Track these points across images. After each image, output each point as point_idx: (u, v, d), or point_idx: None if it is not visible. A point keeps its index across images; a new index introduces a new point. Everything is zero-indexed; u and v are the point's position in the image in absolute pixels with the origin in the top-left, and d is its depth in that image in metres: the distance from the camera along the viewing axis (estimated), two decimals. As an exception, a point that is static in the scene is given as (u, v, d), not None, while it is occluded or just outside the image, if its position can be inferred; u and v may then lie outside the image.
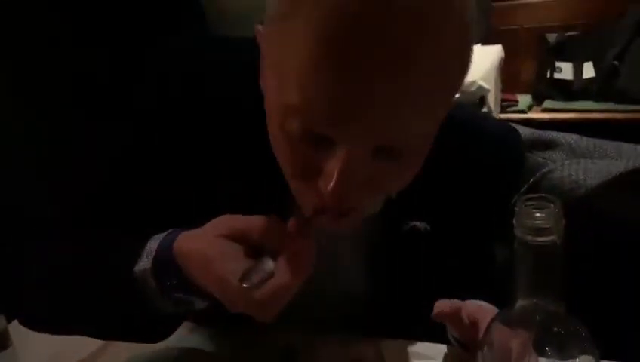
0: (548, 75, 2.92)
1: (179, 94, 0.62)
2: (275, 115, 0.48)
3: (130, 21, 1.44)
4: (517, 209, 0.37)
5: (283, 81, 0.45)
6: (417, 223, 0.67)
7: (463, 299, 0.66)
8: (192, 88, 0.62)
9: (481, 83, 2.18)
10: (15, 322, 0.69)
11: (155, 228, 0.58)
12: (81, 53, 1.37)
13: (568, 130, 0.96)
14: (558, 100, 2.90)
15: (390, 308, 0.71)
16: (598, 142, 0.87)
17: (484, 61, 2.40)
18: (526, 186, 0.88)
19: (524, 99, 3.02)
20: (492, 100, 2.34)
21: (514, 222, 0.38)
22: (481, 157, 0.70)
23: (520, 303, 0.40)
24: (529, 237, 0.37)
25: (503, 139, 0.75)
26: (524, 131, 0.93)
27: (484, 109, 2.33)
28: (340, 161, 0.45)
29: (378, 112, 0.43)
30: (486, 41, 2.72)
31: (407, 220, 0.66)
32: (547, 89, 2.93)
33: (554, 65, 2.88)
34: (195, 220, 0.55)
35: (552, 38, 2.93)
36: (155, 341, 0.62)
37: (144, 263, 0.54)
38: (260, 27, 0.51)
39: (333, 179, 0.45)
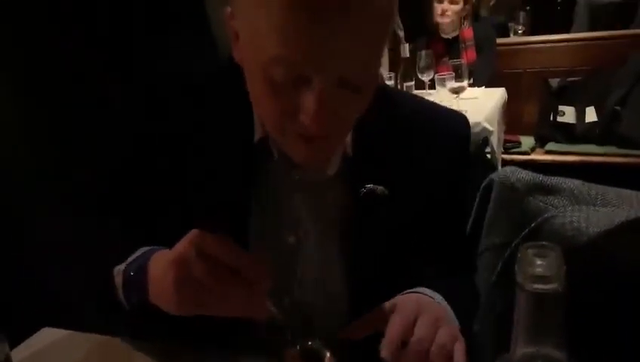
0: (551, 118, 2.96)
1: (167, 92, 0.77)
2: (259, 72, 0.60)
3: (133, 20, 1.50)
4: (518, 255, 0.38)
5: (263, 40, 0.57)
6: (375, 186, 0.73)
7: (424, 263, 0.75)
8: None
9: (485, 124, 2.21)
10: (17, 348, 0.70)
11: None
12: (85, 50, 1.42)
13: (571, 173, 0.97)
14: (560, 143, 2.93)
15: (364, 276, 0.75)
16: (600, 188, 0.88)
17: (488, 103, 2.44)
18: (527, 230, 0.89)
19: (527, 141, 3.06)
20: (495, 141, 2.36)
21: (515, 268, 0.39)
22: (435, 129, 0.79)
23: (521, 350, 0.41)
24: (530, 285, 0.37)
25: (453, 117, 0.84)
26: (526, 175, 0.94)
27: (488, 150, 2.35)
28: (317, 92, 0.58)
29: (340, 47, 0.56)
30: (490, 83, 2.77)
31: (365, 183, 0.73)
32: (550, 131, 2.97)
33: (557, 109, 2.92)
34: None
35: (554, 82, 2.98)
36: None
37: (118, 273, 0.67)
38: (229, 9, 0.64)
39: (313, 107, 0.58)
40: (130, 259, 0.68)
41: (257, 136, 0.73)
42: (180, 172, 0.73)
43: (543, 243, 0.38)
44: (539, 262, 0.37)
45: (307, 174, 0.74)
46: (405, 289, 0.71)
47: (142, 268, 0.65)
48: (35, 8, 1.36)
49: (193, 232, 0.59)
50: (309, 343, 0.62)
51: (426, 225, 0.76)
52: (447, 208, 0.80)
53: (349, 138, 0.74)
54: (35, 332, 0.97)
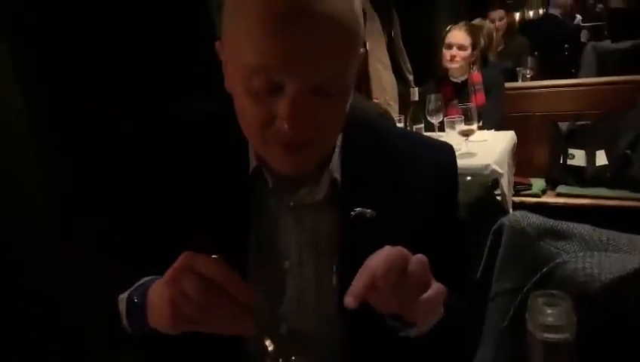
0: (561, 161, 2.96)
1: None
2: (241, 87, 0.66)
3: (149, 84, 1.56)
4: (529, 303, 0.38)
5: (242, 53, 0.64)
6: (364, 209, 0.76)
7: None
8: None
9: (495, 167, 2.21)
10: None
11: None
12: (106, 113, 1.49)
13: (582, 216, 0.97)
14: (571, 186, 2.92)
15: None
16: (612, 234, 0.88)
17: (498, 145, 2.45)
18: (539, 275, 0.88)
19: (538, 183, 3.05)
20: (505, 184, 2.36)
21: (526, 316, 0.39)
22: (421, 156, 0.83)
23: (533, 399, 0.40)
24: (541, 334, 0.37)
25: (439, 145, 0.88)
26: (536, 219, 0.94)
27: (498, 192, 2.35)
28: (290, 97, 0.63)
29: (309, 55, 0.62)
30: (499, 126, 2.80)
31: (355, 207, 0.76)
32: (561, 174, 2.96)
33: (567, 152, 2.93)
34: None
35: (564, 125, 2.99)
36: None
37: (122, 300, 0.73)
38: (217, 43, 0.72)
39: (287, 112, 0.63)
40: (133, 287, 0.72)
41: (252, 165, 0.77)
42: (181, 207, 0.79)
43: (554, 292, 0.38)
44: (549, 311, 0.37)
45: (300, 200, 0.78)
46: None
47: (143, 294, 0.70)
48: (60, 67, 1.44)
49: (185, 253, 0.63)
50: (292, 358, 0.64)
51: (415, 248, 0.76)
52: (435, 232, 0.81)
53: (337, 163, 0.78)
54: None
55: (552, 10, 4.82)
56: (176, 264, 0.63)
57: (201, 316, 0.62)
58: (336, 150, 0.79)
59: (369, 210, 0.76)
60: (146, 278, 0.73)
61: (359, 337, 0.76)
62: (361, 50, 0.72)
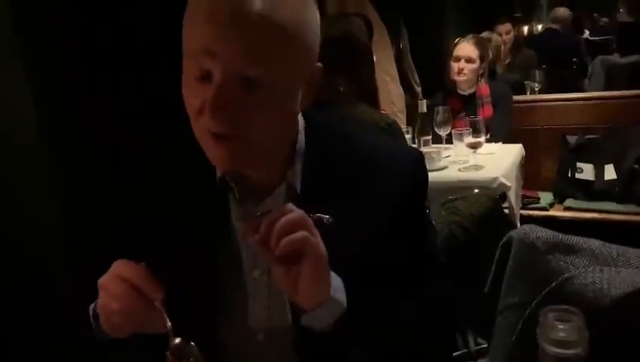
0: (569, 175, 2.95)
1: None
2: (185, 70, 0.70)
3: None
4: (540, 319, 0.38)
5: (184, 41, 0.69)
6: (321, 215, 0.76)
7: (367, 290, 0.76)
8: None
9: (502, 180, 2.20)
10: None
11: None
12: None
13: (590, 230, 0.96)
14: (579, 200, 2.90)
15: None
16: (621, 249, 0.87)
17: (506, 158, 2.44)
18: (547, 290, 0.87)
19: (546, 197, 3.04)
20: (513, 197, 2.35)
21: (537, 331, 0.39)
22: (384, 162, 0.83)
23: (544, 415, 0.40)
24: (552, 349, 0.37)
25: (404, 150, 0.90)
26: (545, 233, 0.94)
27: (506, 205, 2.34)
28: (215, 85, 0.66)
29: (238, 45, 0.65)
30: (507, 139, 2.79)
31: (313, 212, 0.76)
32: (569, 188, 2.95)
33: (575, 166, 2.92)
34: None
35: (572, 139, 2.99)
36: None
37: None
38: None
39: (211, 100, 0.66)
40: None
41: (218, 174, 0.80)
42: (152, 219, 0.84)
43: (566, 307, 0.38)
44: (561, 326, 0.37)
45: (266, 208, 0.79)
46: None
47: None
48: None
49: (116, 262, 0.71)
50: (176, 341, 0.67)
51: (373, 252, 0.79)
52: (395, 238, 0.82)
53: (298, 170, 0.81)
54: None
55: (553, 25, 4.82)
56: (107, 272, 0.70)
57: (125, 319, 0.69)
58: (297, 157, 0.81)
59: (327, 216, 0.76)
60: None
61: (306, 342, 0.78)
62: (317, 65, 0.76)
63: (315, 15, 0.74)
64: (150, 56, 1.68)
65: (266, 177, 0.81)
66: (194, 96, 0.69)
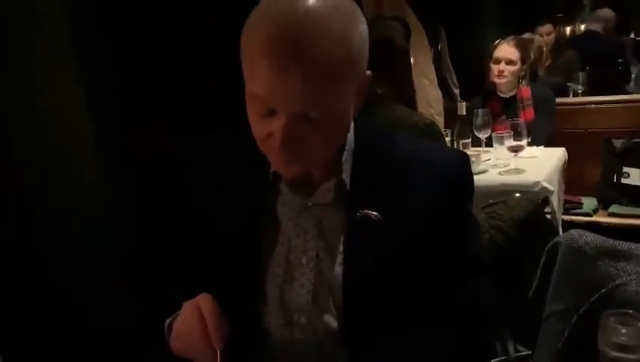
0: (615, 180, 2.86)
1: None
2: (249, 104, 0.75)
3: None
4: (601, 323, 0.38)
5: (246, 79, 0.74)
6: (369, 212, 0.81)
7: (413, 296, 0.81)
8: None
9: (545, 184, 2.16)
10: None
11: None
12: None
13: (636, 237, 0.93)
14: (625, 205, 2.81)
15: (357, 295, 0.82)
16: (675, 256, 0.84)
17: (548, 162, 2.39)
18: (597, 296, 0.86)
19: (589, 202, 2.95)
20: (555, 202, 2.29)
21: (598, 335, 0.38)
22: (430, 163, 0.86)
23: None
24: (614, 354, 0.37)
25: (450, 152, 0.93)
26: (594, 239, 0.92)
27: (548, 210, 2.28)
28: (281, 123, 0.72)
29: (298, 92, 0.69)
30: (549, 143, 2.73)
31: (361, 207, 0.82)
32: (614, 193, 2.86)
33: (621, 170, 2.83)
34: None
35: (618, 143, 2.90)
36: None
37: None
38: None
39: (278, 135, 0.72)
40: (177, 313, 0.83)
41: (272, 169, 0.86)
42: (212, 214, 0.90)
43: (629, 311, 0.37)
44: (623, 330, 0.36)
45: (316, 200, 0.85)
46: (391, 316, 0.81)
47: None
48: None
49: (204, 294, 0.79)
50: None
51: (416, 251, 0.83)
52: (437, 237, 0.84)
53: (348, 166, 0.85)
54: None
55: (592, 26, 4.67)
56: (190, 307, 0.78)
57: (186, 346, 0.79)
58: (347, 155, 0.85)
59: (374, 213, 0.81)
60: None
61: (353, 329, 0.82)
62: (367, 73, 0.78)
63: (364, 28, 0.76)
64: (204, 62, 1.73)
65: (318, 173, 0.85)
66: (260, 125, 0.75)
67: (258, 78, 0.71)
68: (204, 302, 0.78)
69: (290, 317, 0.85)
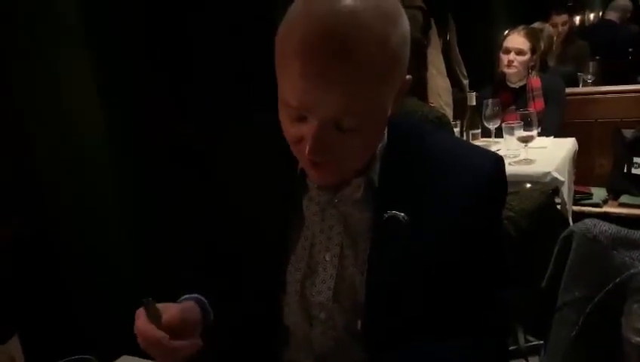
0: (625, 170, 2.84)
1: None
2: (280, 107, 0.74)
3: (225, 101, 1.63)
4: (625, 309, 0.38)
5: (279, 83, 0.72)
6: (397, 212, 0.79)
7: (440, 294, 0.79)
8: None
9: (555, 174, 2.15)
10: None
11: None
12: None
13: (646, 227, 0.93)
14: (635, 196, 2.79)
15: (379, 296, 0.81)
16: (690, 245, 0.84)
17: (558, 153, 2.38)
18: (612, 285, 0.85)
19: (599, 193, 2.94)
20: (566, 192, 2.29)
21: (622, 321, 0.39)
22: (462, 165, 0.82)
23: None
24: (637, 339, 0.37)
25: (483, 154, 0.86)
26: (609, 228, 0.91)
27: (558, 200, 2.28)
28: (312, 129, 0.70)
29: (329, 99, 0.67)
30: (559, 133, 2.72)
31: (389, 207, 0.79)
32: (624, 183, 2.84)
33: (632, 161, 2.81)
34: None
35: (628, 133, 2.87)
36: None
37: None
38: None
39: (309, 140, 0.70)
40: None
41: (300, 165, 0.84)
42: (238, 207, 0.90)
43: (653, 296, 0.38)
44: (647, 315, 0.36)
45: (343, 197, 0.83)
46: (414, 319, 0.80)
47: None
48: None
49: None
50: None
51: (442, 255, 0.80)
52: (468, 244, 0.81)
53: (377, 166, 0.82)
54: (116, 360, 1.03)
55: (610, 15, 4.62)
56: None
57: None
58: (377, 154, 0.82)
59: (402, 214, 0.79)
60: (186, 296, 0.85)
61: (374, 329, 0.81)
62: (407, 77, 0.75)
63: (407, 29, 0.72)
64: (216, 51, 1.73)
65: None
66: (291, 128, 0.74)
67: (290, 82, 0.68)
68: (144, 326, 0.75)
69: (310, 312, 0.85)
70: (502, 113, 2.56)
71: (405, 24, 0.72)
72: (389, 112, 0.75)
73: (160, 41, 1.62)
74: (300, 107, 0.69)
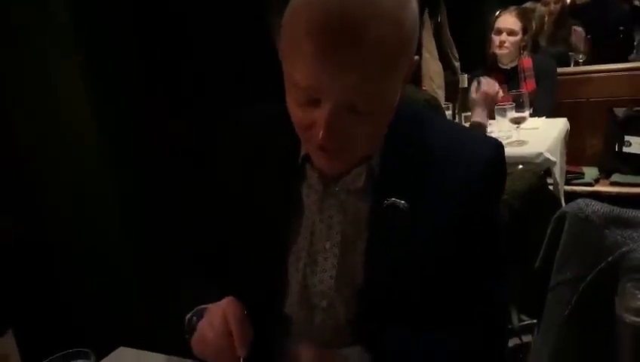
0: (616, 149, 2.86)
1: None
2: (290, 92, 0.72)
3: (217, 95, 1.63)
4: (619, 288, 0.38)
5: (288, 66, 0.70)
6: (397, 200, 0.79)
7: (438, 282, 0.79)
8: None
9: (547, 155, 2.16)
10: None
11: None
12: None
13: (637, 206, 0.93)
14: (626, 174, 2.81)
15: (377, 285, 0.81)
16: (681, 223, 0.85)
17: (550, 133, 2.39)
18: (604, 264, 0.86)
19: (591, 172, 2.95)
20: (558, 172, 2.30)
21: (615, 301, 0.39)
22: (462, 152, 0.81)
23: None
24: (632, 318, 0.37)
25: (484, 141, 0.86)
26: (601, 207, 0.92)
27: (550, 180, 2.29)
28: (325, 113, 0.68)
29: (346, 79, 0.65)
30: (551, 113, 2.72)
31: (389, 195, 0.79)
32: (615, 162, 2.86)
33: (623, 139, 2.82)
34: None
35: (620, 112, 2.89)
36: None
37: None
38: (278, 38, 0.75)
39: (321, 125, 0.68)
40: (197, 308, 0.83)
41: (302, 153, 0.84)
42: (240, 196, 0.89)
43: (647, 276, 0.38)
44: (640, 295, 0.37)
45: (344, 185, 0.82)
46: (411, 308, 0.80)
47: (199, 316, 0.82)
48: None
49: (230, 297, 0.78)
50: None
51: (442, 243, 0.80)
52: (467, 233, 0.81)
53: (377, 154, 0.81)
54: (113, 351, 1.03)
55: None
56: (220, 302, 0.77)
57: (205, 350, 0.77)
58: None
59: (402, 201, 0.79)
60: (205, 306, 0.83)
61: (372, 317, 0.82)
62: (415, 58, 0.74)
63: (416, 10, 0.71)
64: (208, 49, 1.72)
65: None
66: (301, 114, 0.72)
67: (302, 64, 0.66)
68: (230, 307, 0.76)
69: (311, 301, 0.85)
70: (494, 94, 2.55)
71: (415, 7, 0.71)
72: (399, 95, 0.75)
73: (150, 40, 1.60)
74: (314, 86, 0.67)
